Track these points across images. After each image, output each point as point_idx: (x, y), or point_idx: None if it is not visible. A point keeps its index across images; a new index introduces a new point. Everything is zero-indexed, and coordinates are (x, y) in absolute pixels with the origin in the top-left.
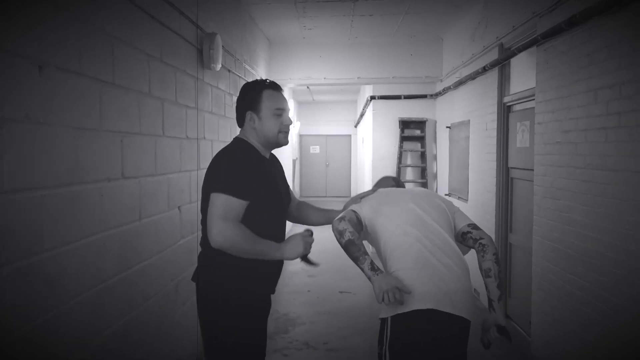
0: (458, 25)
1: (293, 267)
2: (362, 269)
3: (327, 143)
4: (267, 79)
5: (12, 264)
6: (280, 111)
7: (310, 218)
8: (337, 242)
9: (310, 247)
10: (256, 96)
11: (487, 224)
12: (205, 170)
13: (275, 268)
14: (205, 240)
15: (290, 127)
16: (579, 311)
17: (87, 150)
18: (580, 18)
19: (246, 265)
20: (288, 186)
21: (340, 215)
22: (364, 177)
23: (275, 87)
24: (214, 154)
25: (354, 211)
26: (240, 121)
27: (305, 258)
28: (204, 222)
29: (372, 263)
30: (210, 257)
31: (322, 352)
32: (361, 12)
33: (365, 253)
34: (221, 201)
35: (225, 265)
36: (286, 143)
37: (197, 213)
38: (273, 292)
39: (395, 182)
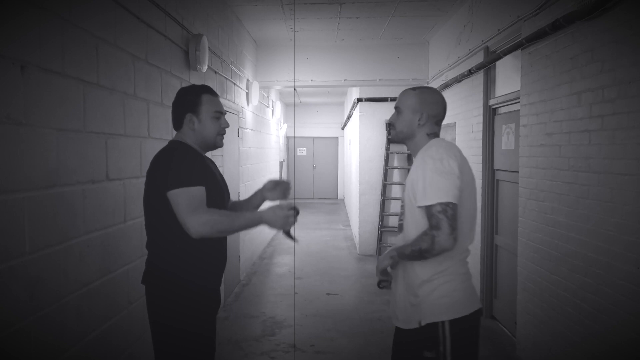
0: (444, 29)
1: (280, 270)
2: (404, 256)
3: (314, 145)
4: (204, 84)
5: None
6: (219, 114)
7: (254, 204)
8: (322, 245)
9: (291, 224)
10: (195, 100)
11: None
12: None
13: (220, 257)
14: (151, 243)
15: (227, 130)
16: (564, 311)
17: (70, 152)
18: (564, 22)
19: (192, 257)
20: (226, 184)
21: (451, 229)
22: (350, 179)
23: (213, 92)
24: None
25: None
26: (178, 124)
27: (286, 232)
28: (149, 226)
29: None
30: (157, 255)
31: (310, 354)
32: (347, 15)
33: None
34: (181, 195)
35: (172, 261)
36: (222, 145)
37: None
38: (220, 283)
39: (443, 111)
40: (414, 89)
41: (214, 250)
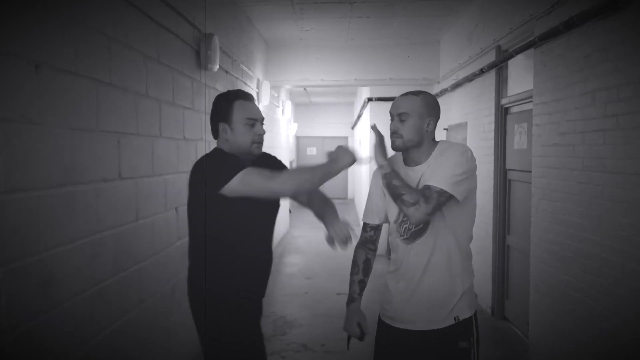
0: (455, 28)
1: (290, 269)
2: (390, 179)
3: (324, 145)
4: (238, 89)
5: (7, 265)
6: (252, 121)
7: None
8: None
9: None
10: (227, 107)
11: (485, 225)
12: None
13: (263, 268)
14: (192, 254)
15: (264, 136)
16: (575, 312)
17: (83, 151)
18: (578, 20)
19: (235, 268)
20: None
21: (432, 211)
22: (360, 179)
23: (246, 97)
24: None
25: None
26: (215, 133)
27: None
28: (193, 236)
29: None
30: (198, 272)
31: (320, 354)
32: (358, 14)
33: None
34: (248, 177)
35: (213, 276)
36: (259, 153)
37: None
38: (263, 294)
39: None
40: (414, 93)
41: (257, 260)
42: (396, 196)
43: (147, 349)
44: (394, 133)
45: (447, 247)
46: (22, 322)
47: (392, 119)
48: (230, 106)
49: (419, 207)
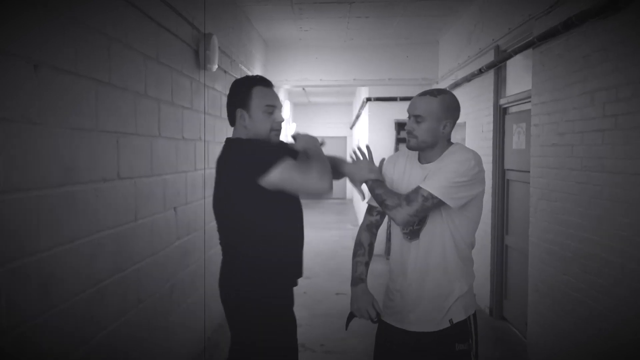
0: (454, 28)
1: None
2: (373, 189)
3: None
4: (257, 75)
5: (6, 264)
6: (272, 108)
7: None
8: (331, 244)
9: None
10: (246, 93)
11: (483, 225)
12: (201, 172)
13: (294, 260)
14: (227, 255)
15: (283, 124)
16: (575, 312)
17: (82, 151)
18: (577, 20)
19: (265, 266)
20: None
21: (415, 213)
22: None
23: (266, 84)
24: (211, 156)
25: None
26: (231, 119)
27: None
28: (224, 239)
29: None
30: (233, 276)
31: (319, 354)
32: (357, 14)
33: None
34: (288, 172)
35: (243, 269)
36: (278, 141)
37: (193, 214)
38: (295, 284)
39: None
40: (433, 94)
41: (289, 259)
42: (380, 203)
43: (146, 349)
44: (409, 133)
45: (444, 251)
46: (22, 322)
47: (408, 117)
48: (249, 92)
49: (400, 209)
